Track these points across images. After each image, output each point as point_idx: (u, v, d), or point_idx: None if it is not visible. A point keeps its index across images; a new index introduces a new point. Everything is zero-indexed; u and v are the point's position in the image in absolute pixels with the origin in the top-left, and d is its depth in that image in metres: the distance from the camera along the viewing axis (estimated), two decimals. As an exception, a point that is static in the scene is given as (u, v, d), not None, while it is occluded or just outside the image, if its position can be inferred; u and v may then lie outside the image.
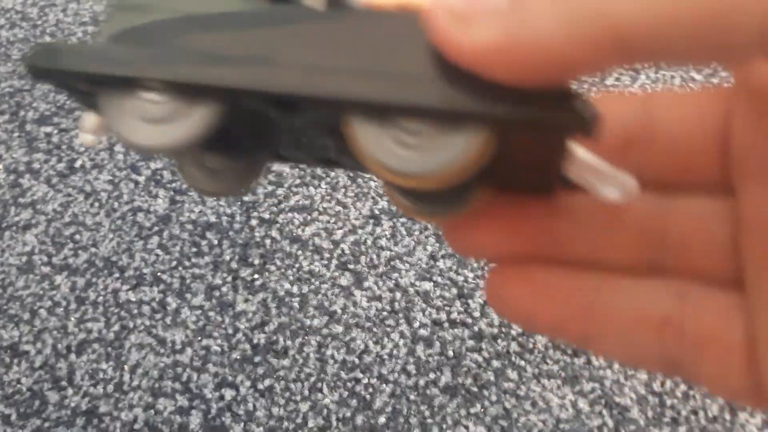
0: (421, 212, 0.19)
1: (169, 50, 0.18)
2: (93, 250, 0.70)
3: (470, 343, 0.58)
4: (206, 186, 0.21)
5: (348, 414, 0.55)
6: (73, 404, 0.59)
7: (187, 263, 0.68)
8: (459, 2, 0.16)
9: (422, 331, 0.60)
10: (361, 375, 0.58)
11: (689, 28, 0.14)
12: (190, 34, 0.18)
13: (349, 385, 0.57)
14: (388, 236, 0.69)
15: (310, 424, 0.55)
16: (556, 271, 0.21)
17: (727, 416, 0.53)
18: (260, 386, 0.58)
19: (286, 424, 0.56)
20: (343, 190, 0.74)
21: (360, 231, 0.70)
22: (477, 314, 0.61)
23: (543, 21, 0.15)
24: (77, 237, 0.71)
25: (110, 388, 0.60)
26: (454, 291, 0.63)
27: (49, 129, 0.82)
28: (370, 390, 0.57)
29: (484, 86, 0.16)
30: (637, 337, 0.21)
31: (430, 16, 0.16)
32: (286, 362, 0.59)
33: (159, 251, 0.70)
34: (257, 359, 0.60)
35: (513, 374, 0.56)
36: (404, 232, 0.69)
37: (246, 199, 0.74)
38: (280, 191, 0.74)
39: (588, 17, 0.15)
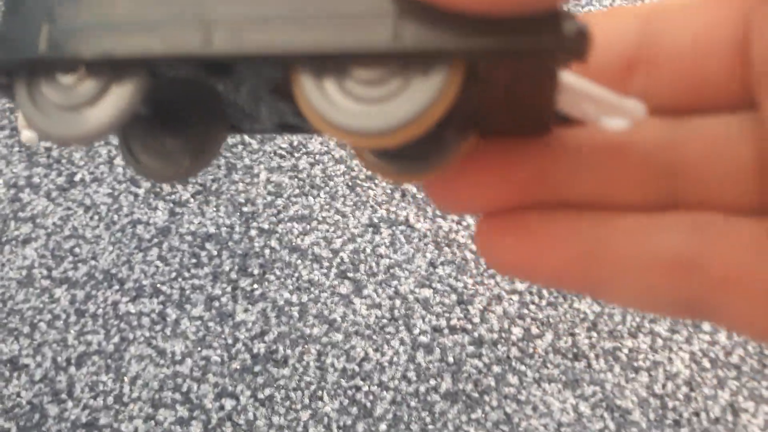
0: (398, 173, 0.17)
1: (78, 15, 0.15)
2: (93, 262, 0.70)
3: (470, 348, 0.58)
4: (158, 171, 0.18)
5: (349, 422, 0.55)
6: (73, 417, 0.59)
7: (186, 274, 0.68)
8: None
9: (422, 338, 0.59)
10: (361, 382, 0.57)
11: None
12: None
13: (349, 392, 0.57)
14: (387, 244, 0.69)
15: (311, 432, 0.55)
16: (554, 215, 0.19)
17: (730, 417, 0.53)
18: (260, 396, 0.58)
19: (286, 433, 0.56)
20: (342, 199, 0.74)
21: (359, 239, 0.70)
22: (477, 320, 0.61)
23: None
24: (77, 250, 0.72)
25: (110, 400, 0.60)
26: (454, 297, 0.63)
27: (48, 143, 0.82)
28: (371, 397, 0.56)
29: (446, 17, 0.13)
30: (650, 279, 0.18)
31: None
32: (286, 371, 0.59)
33: (158, 263, 0.70)
34: (257, 369, 0.60)
35: (513, 379, 0.56)
36: (403, 240, 0.69)
37: (245, 209, 0.74)
38: (279, 201, 0.74)
39: None
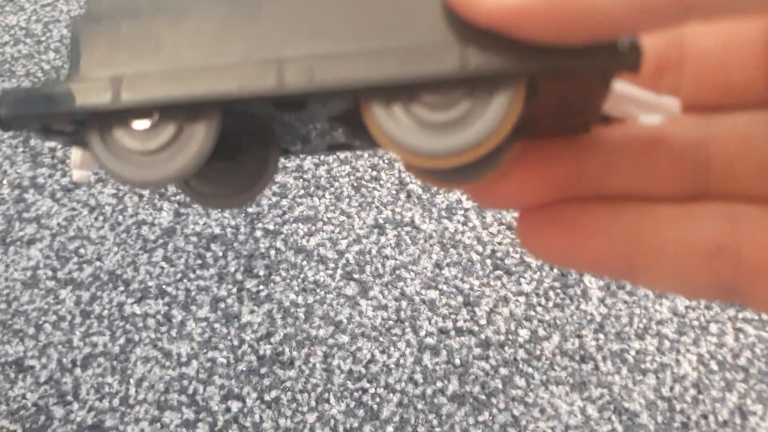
0: (452, 181, 0.18)
1: (147, 63, 0.15)
2: (98, 263, 0.70)
3: (477, 351, 0.58)
4: (218, 199, 0.19)
5: (355, 424, 0.55)
6: (78, 419, 0.59)
7: (192, 275, 0.68)
8: None
9: (429, 340, 0.59)
10: (367, 385, 0.57)
11: None
12: (167, 33, 0.15)
13: (356, 395, 0.57)
14: (393, 245, 0.69)
15: (318, 434, 0.55)
16: (593, 206, 0.20)
17: (738, 420, 0.53)
18: (267, 398, 0.58)
19: (293, 435, 0.55)
20: (347, 200, 0.74)
21: (365, 240, 0.70)
22: (483, 322, 0.61)
23: None
24: (82, 251, 0.72)
25: (116, 402, 0.60)
26: (460, 299, 0.63)
27: (53, 144, 0.82)
28: (377, 400, 0.56)
29: (509, 40, 0.14)
30: (687, 266, 0.19)
31: None
32: (292, 373, 0.59)
33: (164, 264, 0.70)
34: (263, 370, 0.60)
35: (521, 381, 0.55)
36: (409, 241, 0.69)
37: (250, 210, 0.74)
38: (284, 202, 0.74)
39: None
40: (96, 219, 0.74)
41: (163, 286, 0.68)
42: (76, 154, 0.18)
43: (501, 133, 0.15)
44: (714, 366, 0.57)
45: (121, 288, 0.68)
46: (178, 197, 0.76)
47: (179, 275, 0.68)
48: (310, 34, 0.15)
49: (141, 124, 0.15)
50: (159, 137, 0.15)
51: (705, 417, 0.52)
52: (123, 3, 0.16)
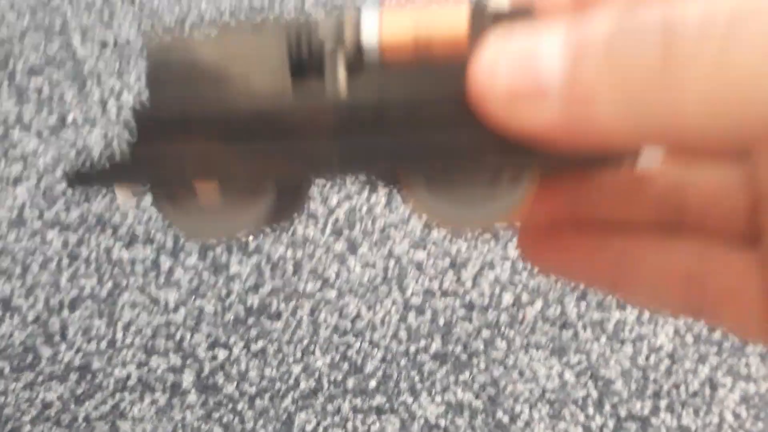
0: (470, 226, 0.21)
1: (214, 143, 0.17)
2: (85, 206, 0.70)
3: (461, 312, 0.59)
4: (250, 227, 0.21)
5: (339, 377, 0.56)
6: (66, 359, 0.60)
7: (180, 223, 0.68)
8: (509, 78, 0.16)
9: (414, 299, 0.60)
10: (353, 339, 0.59)
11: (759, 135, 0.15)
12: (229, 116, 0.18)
13: (341, 348, 0.58)
14: (383, 204, 0.69)
15: (302, 386, 0.56)
16: (586, 230, 0.23)
17: (708, 391, 0.55)
18: (253, 348, 0.59)
19: (278, 385, 0.57)
20: (338, 155, 0.74)
21: (356, 197, 0.70)
22: (469, 285, 0.62)
23: (604, 109, 0.15)
24: (69, 192, 0.71)
25: (103, 344, 0.61)
26: (447, 261, 0.64)
27: (39, 81, 0.80)
28: (362, 354, 0.58)
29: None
30: (663, 288, 0.23)
31: (480, 98, 0.16)
32: (279, 325, 0.60)
33: (152, 209, 0.70)
34: (250, 321, 0.61)
35: (502, 344, 0.57)
36: (399, 201, 0.70)
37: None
38: (275, 154, 0.74)
39: (652, 116, 0.14)
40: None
41: (152, 232, 0.68)
42: (122, 191, 0.20)
43: (520, 207, 0.18)
44: (689, 339, 0.59)
45: (109, 232, 0.68)
46: (168, 143, 0.75)
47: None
48: (368, 124, 0.17)
49: (205, 187, 0.18)
50: (225, 201, 0.18)
51: (677, 387, 0.55)
52: (185, 91, 0.18)
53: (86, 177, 0.17)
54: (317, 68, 0.18)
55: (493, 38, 0.16)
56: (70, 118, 0.77)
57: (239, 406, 0.57)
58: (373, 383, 0.55)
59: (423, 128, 0.17)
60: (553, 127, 0.15)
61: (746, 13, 0.13)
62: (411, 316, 0.59)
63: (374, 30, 0.18)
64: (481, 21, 0.18)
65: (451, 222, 0.18)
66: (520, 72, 0.15)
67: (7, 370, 0.59)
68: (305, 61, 0.18)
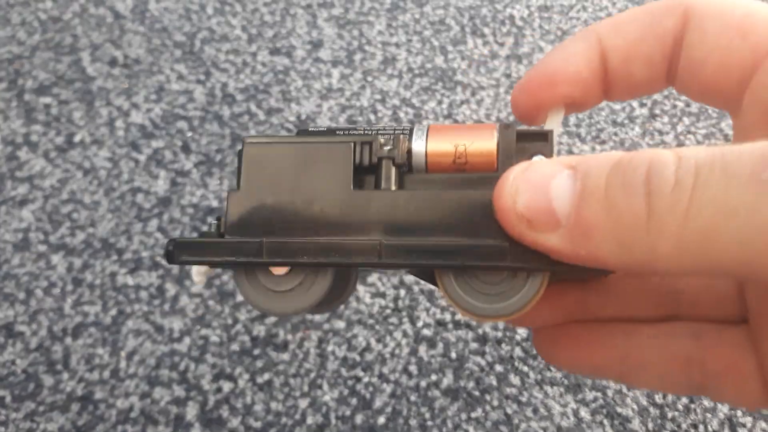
0: (491, 317, 0.24)
1: (282, 235, 0.23)
2: (91, 230, 0.69)
3: (474, 345, 0.58)
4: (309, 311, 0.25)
5: (348, 413, 0.55)
6: (68, 389, 0.59)
7: (187, 248, 0.67)
8: (527, 206, 0.20)
9: (425, 331, 0.59)
10: (362, 373, 0.57)
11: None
12: (300, 219, 0.23)
13: (349, 383, 0.57)
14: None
15: (309, 421, 0.55)
16: (592, 327, 0.27)
17: (727, 431, 0.53)
18: (259, 380, 0.58)
19: (284, 419, 0.55)
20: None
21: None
22: (481, 316, 0.60)
23: (600, 244, 0.18)
24: (75, 215, 0.70)
25: (106, 374, 0.59)
26: (459, 291, 0.62)
27: (48, 100, 0.80)
28: (371, 389, 0.56)
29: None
30: (666, 372, 0.26)
31: (502, 215, 0.20)
32: (285, 356, 0.59)
33: (158, 234, 0.68)
34: (256, 352, 0.59)
35: (515, 380, 0.55)
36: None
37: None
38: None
39: (636, 255, 0.18)
40: (90, 183, 0.73)
41: (157, 258, 0.67)
42: (200, 269, 0.25)
43: (533, 302, 0.22)
44: (709, 377, 0.57)
45: (114, 257, 0.67)
46: (175, 165, 0.74)
47: (174, 247, 0.67)
48: (404, 228, 0.22)
49: (277, 271, 0.23)
50: (291, 282, 0.23)
51: (695, 426, 0.53)
52: (269, 183, 0.23)
53: (185, 253, 0.23)
54: (375, 170, 0.23)
55: (518, 168, 0.20)
56: (77, 138, 0.76)
57: (244, 441, 0.55)
58: (382, 419, 0.54)
59: (454, 233, 0.21)
60: (560, 248, 0.19)
61: (706, 175, 0.17)
62: (422, 349, 0.58)
63: (422, 140, 0.22)
64: (507, 138, 0.22)
65: (476, 313, 0.22)
66: (536, 204, 0.19)
67: (8, 399, 0.58)
68: (365, 165, 0.23)
